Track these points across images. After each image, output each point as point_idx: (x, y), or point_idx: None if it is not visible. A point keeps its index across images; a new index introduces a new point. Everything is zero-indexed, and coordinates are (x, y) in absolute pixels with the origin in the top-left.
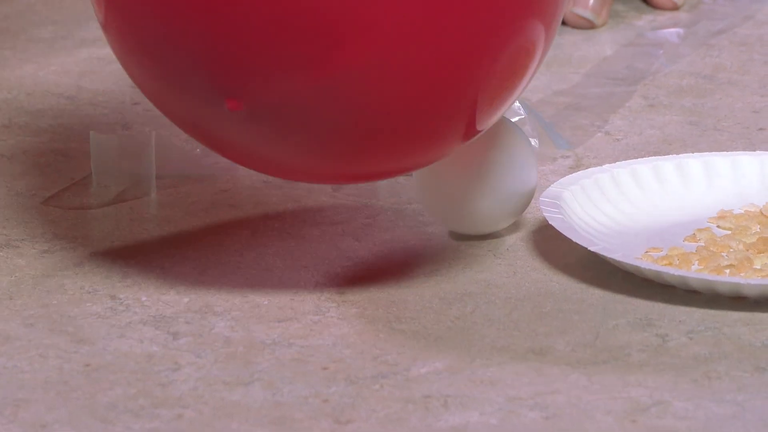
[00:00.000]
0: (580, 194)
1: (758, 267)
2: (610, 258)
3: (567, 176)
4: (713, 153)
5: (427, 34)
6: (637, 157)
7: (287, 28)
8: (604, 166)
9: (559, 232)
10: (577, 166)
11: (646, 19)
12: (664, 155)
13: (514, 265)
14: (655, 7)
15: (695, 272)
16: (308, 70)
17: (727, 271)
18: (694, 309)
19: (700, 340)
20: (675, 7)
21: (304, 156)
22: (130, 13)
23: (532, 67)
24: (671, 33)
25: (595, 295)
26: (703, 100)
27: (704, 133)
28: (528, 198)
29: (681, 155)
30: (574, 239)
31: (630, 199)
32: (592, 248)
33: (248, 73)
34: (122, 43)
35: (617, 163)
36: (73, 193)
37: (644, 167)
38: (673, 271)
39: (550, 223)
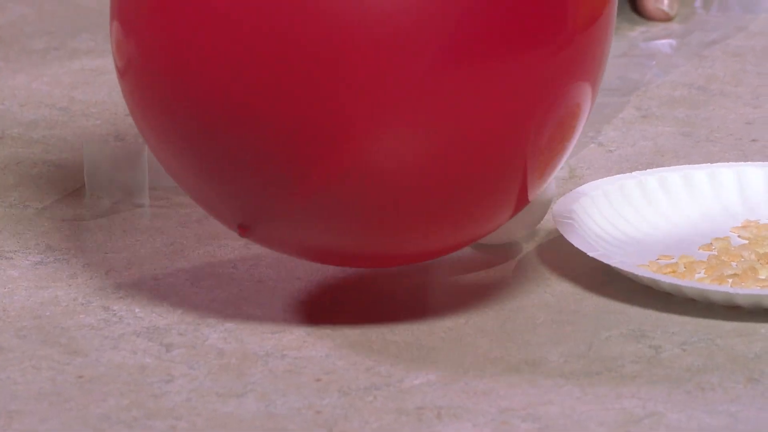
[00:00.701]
0: (601, 200)
1: (763, 277)
2: (608, 264)
3: (588, 183)
4: (748, 163)
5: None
6: (630, 169)
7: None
8: (633, 173)
9: (552, 242)
10: (570, 177)
11: (639, 30)
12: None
13: (507, 275)
14: (648, 18)
15: (689, 281)
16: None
17: (730, 280)
18: (687, 320)
19: (693, 351)
20: (668, 18)
21: (350, 241)
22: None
23: (578, 130)
24: (664, 44)
25: (589, 306)
26: (696, 111)
27: (697, 144)
28: (545, 209)
29: (715, 164)
30: (576, 245)
31: (655, 206)
32: (591, 254)
33: (267, 219)
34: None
35: (647, 170)
36: (66, 204)
37: (674, 175)
38: (668, 279)
39: (558, 228)
